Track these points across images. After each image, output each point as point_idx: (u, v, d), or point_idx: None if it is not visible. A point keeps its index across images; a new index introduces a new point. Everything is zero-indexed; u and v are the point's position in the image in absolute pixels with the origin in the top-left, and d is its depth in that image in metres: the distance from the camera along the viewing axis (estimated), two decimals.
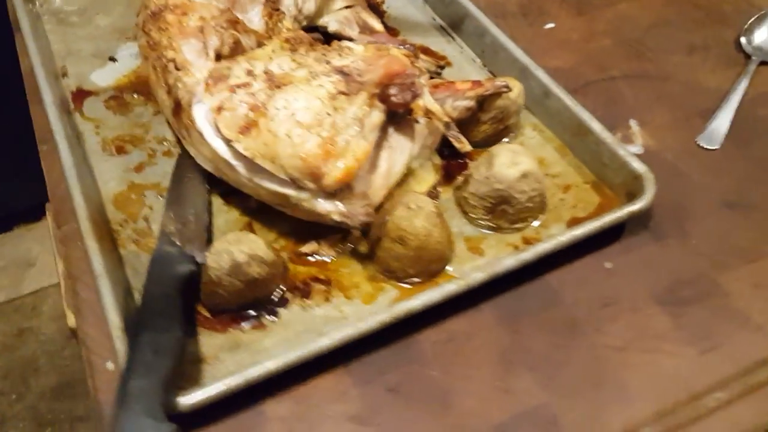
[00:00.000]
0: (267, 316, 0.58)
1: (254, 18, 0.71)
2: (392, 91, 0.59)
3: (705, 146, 0.73)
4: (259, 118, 0.55)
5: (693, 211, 0.67)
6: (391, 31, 0.84)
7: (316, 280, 0.61)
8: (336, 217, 0.58)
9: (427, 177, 0.68)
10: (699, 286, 0.61)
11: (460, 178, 0.69)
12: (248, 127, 0.55)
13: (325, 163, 0.55)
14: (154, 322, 0.51)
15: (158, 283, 0.55)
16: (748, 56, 0.82)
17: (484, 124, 0.70)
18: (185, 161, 0.68)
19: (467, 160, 0.70)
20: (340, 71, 0.57)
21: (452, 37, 0.84)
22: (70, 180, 0.64)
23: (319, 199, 0.57)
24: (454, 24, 0.85)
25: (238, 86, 0.56)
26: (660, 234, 0.65)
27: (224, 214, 0.66)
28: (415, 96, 0.59)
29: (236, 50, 0.65)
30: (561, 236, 0.60)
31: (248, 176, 0.58)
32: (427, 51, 0.83)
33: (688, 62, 0.82)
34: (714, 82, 0.80)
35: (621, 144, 0.67)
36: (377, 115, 0.59)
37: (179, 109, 0.61)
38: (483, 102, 0.68)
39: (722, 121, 0.74)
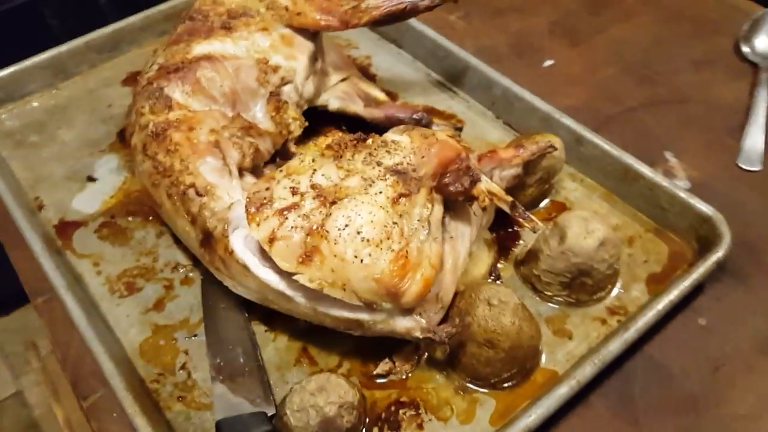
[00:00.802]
0: None
1: (258, 114, 0.63)
2: (449, 179, 0.52)
3: (747, 168, 0.70)
4: (320, 243, 0.47)
5: (764, 244, 0.63)
6: (390, 95, 0.77)
7: (401, 404, 0.53)
8: (418, 334, 0.51)
9: (483, 256, 0.62)
10: None
11: (516, 251, 0.63)
12: (309, 255, 0.47)
13: (402, 280, 0.48)
14: None
15: None
16: (753, 64, 0.80)
17: (530, 187, 0.64)
18: (212, 288, 0.59)
19: (517, 229, 0.65)
20: (395, 171, 0.51)
21: (454, 92, 0.79)
22: (90, 341, 0.54)
23: (397, 318, 0.50)
24: (454, 78, 0.79)
25: (287, 209, 0.49)
26: (742, 275, 0.61)
27: (271, 343, 0.57)
28: (475, 181, 0.53)
29: (257, 159, 0.58)
30: (657, 304, 0.55)
31: (310, 306, 0.50)
32: (432, 111, 0.77)
33: (698, 80, 0.80)
34: (730, 96, 0.78)
35: (677, 185, 0.63)
36: (438, 210, 0.52)
37: (211, 240, 0.52)
38: (527, 165, 0.62)
39: (756, 139, 0.72)
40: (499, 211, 0.62)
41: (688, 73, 0.81)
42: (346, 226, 0.48)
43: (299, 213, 0.48)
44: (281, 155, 0.66)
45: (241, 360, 0.54)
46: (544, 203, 0.67)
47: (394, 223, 0.49)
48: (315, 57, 0.70)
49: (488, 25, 0.88)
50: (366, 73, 0.81)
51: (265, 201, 0.49)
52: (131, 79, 0.82)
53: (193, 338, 0.58)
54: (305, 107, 0.70)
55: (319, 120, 0.72)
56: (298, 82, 0.67)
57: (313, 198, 0.49)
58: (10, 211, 0.65)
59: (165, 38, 0.80)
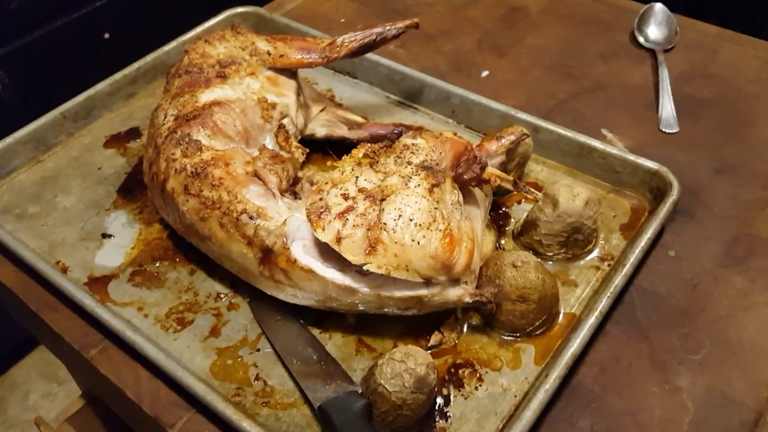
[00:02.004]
0: (440, 420, 0.58)
1: (269, 145, 0.70)
2: (462, 169, 0.62)
3: (668, 131, 0.85)
4: (381, 234, 0.55)
5: (699, 185, 0.78)
6: (363, 118, 0.86)
7: (458, 366, 0.62)
8: (468, 299, 0.59)
9: (487, 235, 0.72)
10: (744, 243, 0.71)
11: (509, 228, 0.74)
12: (374, 246, 0.55)
13: (452, 253, 0.57)
14: None
15: (348, 430, 0.52)
16: (649, 50, 0.97)
17: (511, 172, 0.75)
18: (261, 306, 0.65)
19: (506, 209, 0.76)
20: (424, 167, 0.60)
21: (416, 108, 0.90)
22: (171, 369, 0.58)
23: (449, 289, 0.59)
24: (413, 96, 0.90)
25: (345, 212, 0.56)
26: (690, 213, 0.75)
27: (328, 341, 0.64)
28: (484, 167, 0.63)
29: (289, 181, 0.65)
30: (638, 244, 0.67)
31: (374, 292, 0.58)
32: (401, 126, 0.87)
33: (609, 69, 0.95)
34: (639, 78, 0.94)
35: (624, 150, 0.77)
36: (460, 195, 0.62)
37: (271, 255, 0.59)
38: (507, 153, 0.73)
39: (668, 108, 0.88)
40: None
41: (600, 65, 0.96)
42: (399, 216, 0.56)
43: (356, 213, 0.56)
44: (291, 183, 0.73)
45: (314, 356, 0.60)
46: None
47: (435, 208, 0.58)
48: (298, 92, 0.78)
49: (425, 49, 1.00)
50: (334, 104, 0.90)
51: (323, 209, 0.57)
52: (113, 142, 0.86)
53: (257, 353, 0.63)
54: (299, 138, 0.77)
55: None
56: (292, 114, 0.75)
57: (364, 199, 0.57)
58: (44, 275, 0.67)
59: (133, 100, 0.87)
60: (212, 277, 0.69)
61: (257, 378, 0.61)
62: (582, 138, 0.78)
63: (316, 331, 0.64)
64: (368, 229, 0.56)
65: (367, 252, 0.55)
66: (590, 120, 0.88)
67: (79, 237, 0.74)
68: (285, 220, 0.59)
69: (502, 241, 0.72)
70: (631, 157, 0.76)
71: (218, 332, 0.65)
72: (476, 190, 0.67)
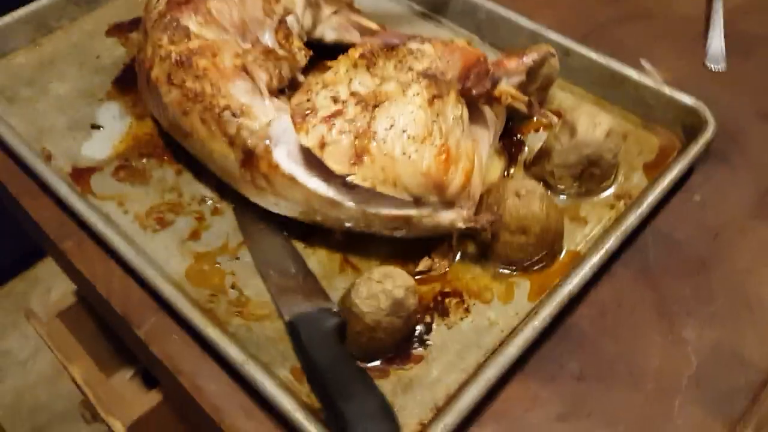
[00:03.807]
0: (419, 348, 0.54)
1: (267, 43, 0.65)
2: (472, 82, 0.56)
3: (714, 68, 0.77)
4: (369, 143, 0.51)
5: (738, 128, 0.70)
6: (380, 27, 0.80)
7: (446, 294, 0.58)
8: (461, 224, 0.55)
9: (495, 162, 0.66)
10: None
11: (521, 157, 0.68)
12: (360, 156, 0.50)
13: (446, 173, 0.52)
14: (352, 389, 0.46)
15: (322, 348, 0.49)
16: None
17: (530, 95, 0.69)
18: (247, 214, 0.61)
19: (521, 137, 0.70)
20: (426, 75, 0.54)
21: (439, 21, 0.83)
22: (142, 269, 0.55)
23: (441, 211, 0.54)
24: (437, 8, 0.83)
25: (332, 116, 0.51)
26: (724, 156, 0.68)
27: (311, 257, 0.60)
28: (495, 82, 0.57)
29: (281, 82, 0.60)
30: (661, 183, 0.61)
31: (359, 208, 0.53)
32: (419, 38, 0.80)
33: None
34: (690, 9, 0.85)
35: (661, 83, 0.70)
36: (465, 111, 0.56)
37: (252, 158, 0.54)
38: (528, 74, 0.67)
39: (717, 42, 0.79)
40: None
41: None
42: (392, 126, 0.51)
43: (345, 118, 0.51)
44: (290, 87, 0.68)
45: (293, 269, 0.56)
46: None
47: (434, 121, 0.52)
48: None
49: None
50: (352, 8, 0.83)
51: (309, 111, 0.52)
52: (115, 30, 0.82)
53: (236, 260, 0.60)
54: (305, 39, 0.72)
55: (317, 55, 0.74)
56: (298, 12, 0.69)
57: (355, 104, 0.52)
58: (25, 161, 0.64)
59: None
60: (199, 180, 0.66)
61: (233, 286, 0.58)
62: (616, 65, 0.71)
63: (300, 245, 0.61)
64: (356, 137, 0.51)
65: (352, 162, 0.51)
66: (630, 49, 0.79)
67: (68, 125, 0.71)
68: (270, 121, 0.54)
69: (512, 170, 0.67)
70: (667, 90, 0.69)
71: (198, 236, 0.62)
72: (486, 110, 0.61)
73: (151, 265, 0.57)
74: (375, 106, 0.52)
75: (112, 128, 0.71)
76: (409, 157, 0.51)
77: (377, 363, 0.53)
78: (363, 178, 0.51)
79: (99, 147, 0.69)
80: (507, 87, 0.59)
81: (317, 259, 0.60)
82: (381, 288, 0.50)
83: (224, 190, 0.64)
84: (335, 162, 0.51)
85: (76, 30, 0.81)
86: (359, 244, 0.60)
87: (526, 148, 0.69)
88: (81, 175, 0.66)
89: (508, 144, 0.69)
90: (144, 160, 0.68)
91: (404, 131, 0.51)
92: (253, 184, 0.56)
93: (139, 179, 0.66)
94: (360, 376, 0.48)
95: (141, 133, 0.70)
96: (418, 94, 0.52)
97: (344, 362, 0.49)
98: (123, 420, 0.76)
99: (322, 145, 0.51)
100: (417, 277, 0.58)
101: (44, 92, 0.74)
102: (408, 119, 0.51)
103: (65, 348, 0.81)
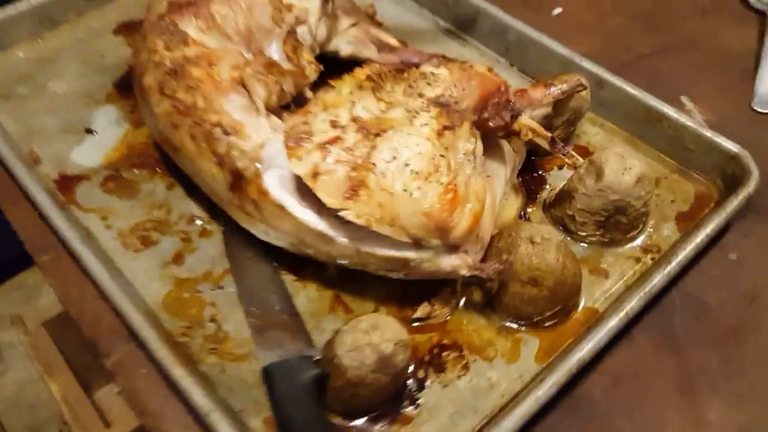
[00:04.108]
0: (408, 407, 0.49)
1: (274, 55, 0.60)
2: (490, 113, 0.51)
3: (762, 111, 0.70)
4: (367, 176, 0.45)
5: None
6: (401, 43, 0.75)
7: (444, 347, 0.52)
8: (465, 272, 0.49)
9: (512, 200, 0.61)
10: None
11: (542, 195, 0.62)
12: (356, 190, 0.45)
13: (451, 214, 0.46)
14: None
15: (290, 399, 0.44)
16: (759, 11, 0.81)
17: (556, 129, 0.63)
18: (236, 239, 0.56)
19: (542, 173, 0.64)
20: (438, 103, 0.49)
21: (465, 40, 0.77)
22: (113, 294, 0.51)
23: (443, 256, 0.49)
24: (464, 25, 0.77)
25: (329, 143, 0.46)
26: (765, 211, 0.61)
27: (301, 292, 0.55)
28: (516, 115, 0.51)
29: (282, 98, 0.55)
30: (694, 238, 0.55)
31: (353, 246, 0.48)
32: (445, 59, 0.75)
33: (705, 27, 0.80)
34: (738, 42, 0.78)
35: (702, 125, 0.63)
36: (480, 145, 0.51)
37: (241, 181, 0.50)
38: (555, 106, 0.61)
39: (767, 82, 0.72)
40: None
41: (696, 20, 0.81)
42: (394, 158, 0.46)
43: (342, 146, 0.46)
44: (296, 102, 0.63)
45: (277, 307, 0.51)
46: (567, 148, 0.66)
47: (441, 155, 0.47)
48: None
49: None
50: (374, 21, 0.78)
51: (304, 135, 0.47)
52: (123, 29, 0.77)
53: (218, 290, 0.55)
54: (317, 52, 0.67)
55: (329, 70, 0.69)
56: (311, 22, 0.64)
57: (356, 131, 0.47)
58: (7, 165, 0.60)
59: None
60: (192, 197, 0.61)
61: (212, 320, 0.53)
62: (652, 101, 0.65)
63: (290, 278, 0.56)
64: (353, 168, 0.46)
65: (347, 196, 0.45)
66: (670, 83, 0.73)
67: (61, 127, 0.67)
68: (263, 142, 0.50)
69: (529, 210, 0.61)
70: (708, 133, 0.62)
71: (182, 259, 0.57)
72: (505, 144, 0.56)
73: (126, 290, 0.52)
74: (377, 135, 0.46)
75: (107, 134, 0.67)
76: (411, 194, 0.45)
77: (361, 421, 0.47)
78: (357, 215, 0.45)
79: (90, 153, 0.65)
80: (528, 121, 0.53)
81: (307, 295, 0.55)
82: (368, 340, 0.44)
83: (216, 209, 0.59)
84: (328, 194, 0.45)
85: (82, 26, 0.77)
86: (354, 281, 0.55)
87: (548, 186, 0.63)
88: (67, 184, 0.62)
89: (528, 180, 0.63)
90: (135, 171, 0.63)
91: (407, 165, 0.45)
92: (242, 210, 0.51)
93: (127, 192, 0.62)
94: None
95: (136, 142, 0.66)
96: (426, 124, 0.47)
97: (319, 421, 0.43)
98: None
99: (315, 175, 0.46)
100: (414, 324, 0.53)
101: (41, 90, 0.70)
102: (413, 152, 0.46)
103: (47, 360, 0.78)
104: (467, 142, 0.49)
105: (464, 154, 0.48)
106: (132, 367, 0.51)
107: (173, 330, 0.52)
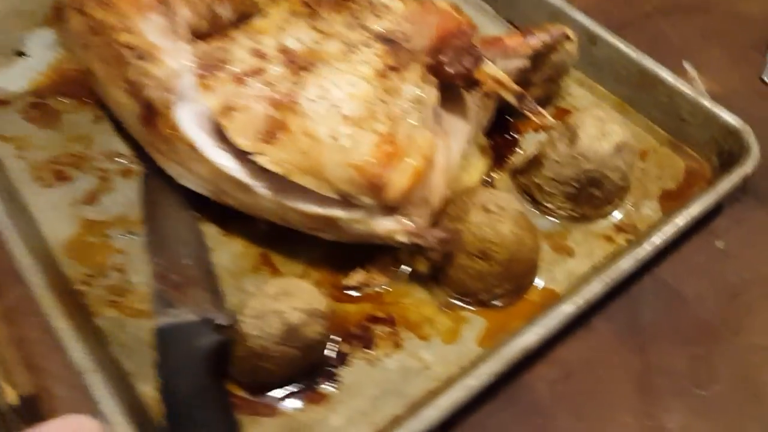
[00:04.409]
0: (326, 384, 0.43)
1: None
2: (448, 57, 0.43)
3: None
4: (288, 117, 0.38)
5: None
6: None
7: (375, 320, 0.46)
8: (402, 238, 0.43)
9: (476, 162, 0.54)
10: None
11: (512, 160, 0.55)
12: (274, 132, 0.38)
13: (387, 169, 0.39)
14: (192, 426, 0.35)
15: (179, 367, 0.38)
16: None
17: (535, 86, 0.56)
18: (156, 182, 0.50)
19: (515, 135, 0.57)
20: (384, 38, 0.41)
21: None
22: (4, 229, 0.45)
23: (377, 217, 0.42)
24: None
25: (248, 74, 0.39)
26: (762, 196, 0.54)
27: (225, 247, 0.49)
28: (478, 61, 0.44)
29: (214, 25, 0.47)
30: (677, 220, 0.48)
31: (274, 198, 0.42)
32: None
33: None
34: (756, 8, 0.69)
35: (702, 93, 0.56)
36: (432, 94, 0.44)
37: (152, 114, 0.43)
38: (535, 59, 0.54)
39: None
40: (497, 114, 0.54)
41: None
42: (322, 98, 0.39)
43: (263, 79, 0.39)
44: None
45: (188, 261, 0.45)
46: (546, 110, 0.59)
47: (381, 100, 0.40)
48: None
49: None
50: None
51: (219, 63, 0.40)
52: None
53: (129, 236, 0.49)
54: None
55: None
56: None
57: (281, 63, 0.40)
58: None
59: None
60: (118, 132, 0.54)
61: (119, 269, 0.47)
62: (648, 63, 0.57)
63: (213, 230, 0.49)
64: (274, 106, 0.39)
65: (263, 138, 0.39)
66: (674, 47, 0.66)
67: None
68: (179, 69, 0.43)
69: (495, 176, 0.54)
70: (707, 103, 0.55)
71: (95, 199, 0.51)
72: (468, 97, 0.48)
73: (25, 228, 0.46)
74: (305, 68, 0.39)
75: (39, 58, 0.60)
76: (339, 142, 0.39)
77: (267, 397, 0.41)
78: (274, 161, 0.39)
79: (16, 77, 0.58)
80: (493, 69, 0.45)
81: (230, 251, 0.48)
82: (274, 307, 0.38)
83: (142, 149, 0.53)
84: (241, 135, 0.39)
85: None
86: (285, 239, 0.48)
87: (520, 151, 0.56)
88: None
89: (498, 142, 0.56)
90: (62, 100, 0.57)
91: (336, 106, 0.39)
92: (153, 147, 0.45)
93: (49, 122, 0.55)
94: (223, 421, 0.37)
95: (69, 69, 0.59)
96: (367, 62, 0.40)
97: (209, 394, 0.38)
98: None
99: (227, 110, 0.39)
100: (346, 292, 0.47)
101: None
102: (345, 92, 0.39)
103: None
104: (416, 87, 0.42)
105: (410, 101, 0.41)
106: (24, 314, 0.45)
107: (73, 276, 0.46)
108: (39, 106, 0.56)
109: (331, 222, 0.42)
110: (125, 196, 0.51)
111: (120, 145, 0.54)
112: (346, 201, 0.40)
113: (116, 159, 0.53)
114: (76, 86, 0.58)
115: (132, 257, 0.47)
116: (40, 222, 0.49)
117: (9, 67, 0.59)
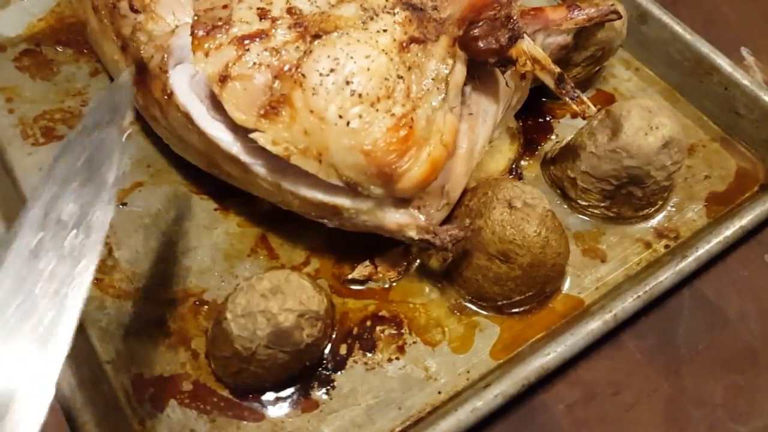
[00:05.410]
0: (318, 391, 0.39)
1: None
2: (481, 31, 0.38)
3: None
4: (292, 90, 0.34)
5: None
6: None
7: (380, 320, 0.41)
8: (413, 234, 0.38)
9: (504, 148, 0.48)
10: None
11: (545, 147, 0.50)
12: (275, 107, 0.34)
13: (401, 157, 0.35)
14: None
15: None
16: None
17: (576, 66, 0.50)
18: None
19: (549, 119, 0.51)
20: (408, 5, 0.36)
21: None
22: None
23: (387, 209, 0.37)
24: None
25: (250, 38, 0.34)
26: None
27: (220, 224, 0.44)
28: (515, 37, 0.38)
29: None
30: (724, 229, 0.43)
31: (272, 180, 0.37)
32: None
33: None
34: None
35: (762, 86, 0.49)
36: (460, 71, 0.38)
37: (145, 74, 0.38)
38: (579, 35, 0.48)
39: None
40: (531, 94, 0.48)
41: None
42: (332, 71, 0.34)
43: (267, 45, 0.34)
44: None
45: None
46: (587, 92, 0.53)
47: (400, 77, 0.35)
48: None
49: None
50: None
51: (219, 23, 0.35)
52: None
53: (120, 206, 0.44)
54: None
55: None
56: None
57: (289, 27, 0.35)
58: None
59: None
60: None
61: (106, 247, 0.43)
62: (704, 47, 0.51)
63: (210, 205, 0.45)
64: (276, 77, 0.34)
65: (262, 113, 0.34)
66: (731, 30, 0.59)
67: None
68: (177, 27, 0.38)
69: (524, 163, 0.49)
70: (766, 97, 0.48)
71: None
72: (499, 76, 0.43)
73: (5, 189, 0.42)
74: (316, 36, 0.34)
75: (38, 2, 0.55)
76: (348, 123, 0.34)
77: (253, 401, 0.38)
78: (273, 140, 0.34)
79: (12, 21, 0.54)
80: (531, 46, 0.40)
81: (225, 230, 0.44)
82: (263, 306, 0.34)
83: None
84: (237, 107, 0.34)
85: None
86: (288, 222, 0.44)
87: (554, 137, 0.50)
88: None
89: (531, 126, 0.51)
90: (59, 48, 0.53)
91: (348, 83, 0.34)
92: (146, 112, 0.40)
93: (44, 72, 0.51)
94: None
95: (68, 15, 0.54)
96: (386, 30, 0.35)
97: None
98: None
99: (224, 78, 0.34)
100: (350, 286, 0.42)
101: None
102: (359, 65, 0.34)
103: None
104: (441, 63, 0.36)
105: (433, 79, 0.36)
106: None
107: None
108: (33, 53, 0.52)
109: (334, 210, 0.37)
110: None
111: None
112: (352, 189, 0.36)
113: None
114: (75, 35, 0.53)
115: (120, 230, 0.43)
116: (23, 184, 0.45)
117: (6, 10, 0.55)
